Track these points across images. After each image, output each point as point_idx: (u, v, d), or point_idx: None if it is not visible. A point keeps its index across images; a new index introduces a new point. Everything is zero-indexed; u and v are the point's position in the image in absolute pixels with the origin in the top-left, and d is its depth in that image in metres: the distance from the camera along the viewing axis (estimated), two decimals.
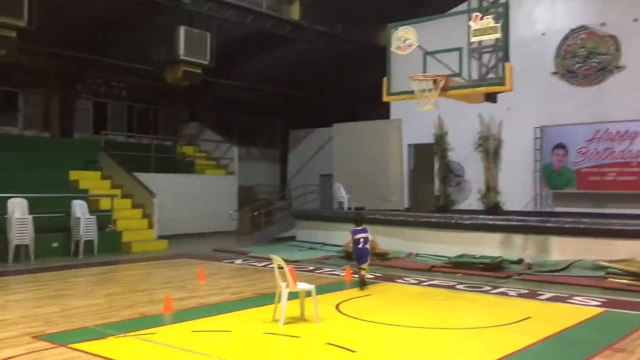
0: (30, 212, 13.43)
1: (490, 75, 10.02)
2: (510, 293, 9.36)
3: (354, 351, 5.96)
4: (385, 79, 10.22)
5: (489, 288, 9.81)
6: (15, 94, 18.99)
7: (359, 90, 24.06)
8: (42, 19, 14.31)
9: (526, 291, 9.47)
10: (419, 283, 10.37)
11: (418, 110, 9.56)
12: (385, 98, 10.36)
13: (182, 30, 16.80)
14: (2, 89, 18.64)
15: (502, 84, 9.47)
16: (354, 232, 9.79)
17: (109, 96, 21.57)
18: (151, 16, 17.40)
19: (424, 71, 9.46)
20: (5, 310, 7.93)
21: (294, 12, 19.74)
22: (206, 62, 17.46)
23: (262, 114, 26.68)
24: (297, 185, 24.43)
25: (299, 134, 26.08)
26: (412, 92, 9.39)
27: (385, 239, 14.21)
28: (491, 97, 10.06)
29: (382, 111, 20.18)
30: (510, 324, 7.31)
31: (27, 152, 17.00)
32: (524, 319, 7.48)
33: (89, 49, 18.88)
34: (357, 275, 9.89)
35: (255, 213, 19.91)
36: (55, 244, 14.15)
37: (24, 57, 17.75)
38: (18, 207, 13.41)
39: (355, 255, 9.85)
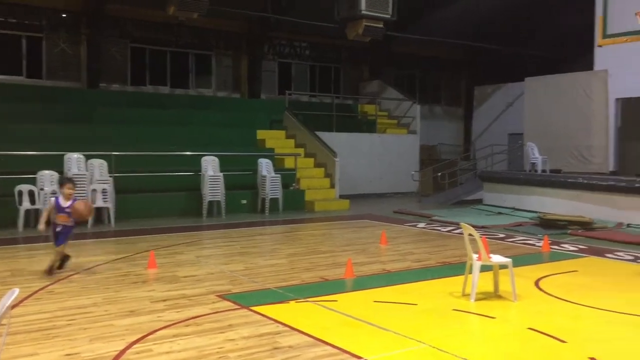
0: (221, 170, 14.05)
1: None
2: None
3: (563, 341, 5.03)
4: (600, 18, 8.66)
5: None
6: (208, 56, 20.03)
7: (555, 40, 21.68)
8: None
9: None
10: (636, 259, 8.86)
11: None
12: (600, 41, 8.86)
13: None
14: (197, 52, 19.75)
15: None
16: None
17: (293, 56, 21.90)
18: None
19: None
20: (196, 266, 8.19)
21: None
22: (388, 16, 16.73)
23: (446, 70, 25.42)
24: (483, 145, 22.92)
25: (486, 90, 24.34)
26: (638, 33, 7.78)
27: (590, 206, 12.64)
28: None
29: (582, 61, 17.83)
30: None
31: (219, 112, 17.89)
32: None
33: (273, 9, 19.17)
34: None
35: (438, 174, 19.02)
36: (244, 201, 14.71)
37: (215, 20, 18.54)
38: (210, 164, 14.10)
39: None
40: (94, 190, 12.12)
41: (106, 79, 17.99)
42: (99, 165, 12.78)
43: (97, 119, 15.59)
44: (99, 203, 12.12)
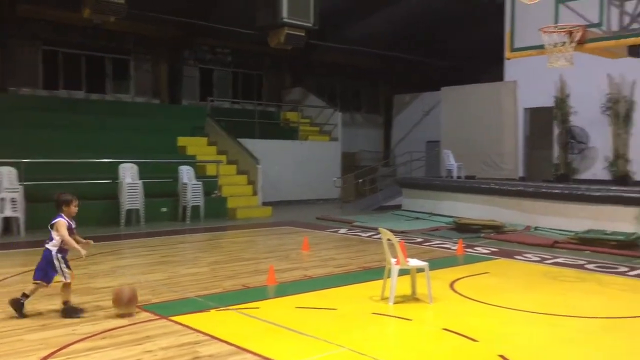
0: (140, 177, 13.71)
1: (635, 26, 8.66)
2: None
3: (475, 340, 5.27)
4: (508, 33, 9.17)
5: (625, 269, 8.68)
6: (126, 61, 19.50)
7: (469, 51, 22.65)
8: None
9: None
10: (542, 260, 9.40)
11: (549, 67, 8.46)
12: (508, 55, 9.33)
13: None
14: (115, 56, 19.18)
15: None
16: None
17: (215, 63, 21.70)
18: None
19: (556, 22, 8.32)
20: (113, 275, 7.96)
21: None
22: (310, 25, 16.88)
23: (366, 79, 25.96)
24: (402, 152, 23.59)
25: (404, 99, 25.09)
26: (541, 47, 8.30)
27: (501, 211, 13.27)
28: (635, 51, 8.73)
29: (494, 73, 18.78)
30: None
31: (138, 118, 17.43)
32: None
33: (195, 15, 18.92)
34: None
35: (359, 180, 19.38)
36: (164, 209, 14.41)
37: (133, 24, 18.08)
38: (129, 172, 13.73)
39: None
40: (2, 199, 11.51)
41: (16, 82, 17.11)
42: (8, 173, 12.15)
43: (6, 123, 14.75)
44: (8, 213, 11.52)
